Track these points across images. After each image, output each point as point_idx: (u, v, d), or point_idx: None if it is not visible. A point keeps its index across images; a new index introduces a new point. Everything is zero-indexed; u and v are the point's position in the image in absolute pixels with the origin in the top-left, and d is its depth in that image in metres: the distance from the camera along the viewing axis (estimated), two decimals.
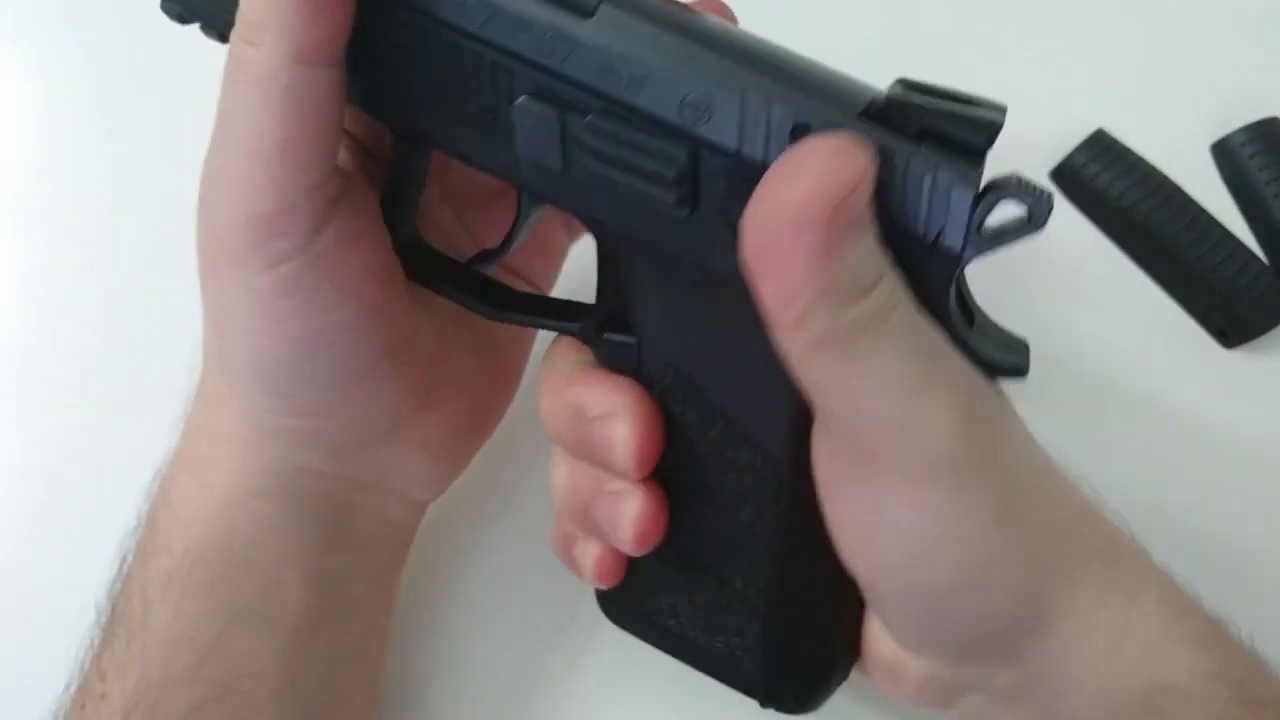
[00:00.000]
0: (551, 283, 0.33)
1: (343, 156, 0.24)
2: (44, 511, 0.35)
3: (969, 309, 0.22)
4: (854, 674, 0.28)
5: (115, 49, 0.40)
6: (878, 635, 0.26)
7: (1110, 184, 0.39)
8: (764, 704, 0.28)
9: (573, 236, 0.33)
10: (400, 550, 0.31)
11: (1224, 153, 0.40)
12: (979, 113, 0.19)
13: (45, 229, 0.38)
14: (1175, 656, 0.23)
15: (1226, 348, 0.38)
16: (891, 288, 0.19)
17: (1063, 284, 0.39)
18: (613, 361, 0.25)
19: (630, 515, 0.24)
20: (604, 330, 0.25)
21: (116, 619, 0.26)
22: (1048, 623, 0.22)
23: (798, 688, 0.28)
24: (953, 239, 0.20)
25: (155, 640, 0.25)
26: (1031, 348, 0.39)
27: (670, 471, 0.25)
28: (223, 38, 0.23)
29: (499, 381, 0.31)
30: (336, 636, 0.28)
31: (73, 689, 0.26)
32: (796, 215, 0.18)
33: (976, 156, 0.19)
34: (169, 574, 0.26)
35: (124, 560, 0.27)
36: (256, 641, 0.26)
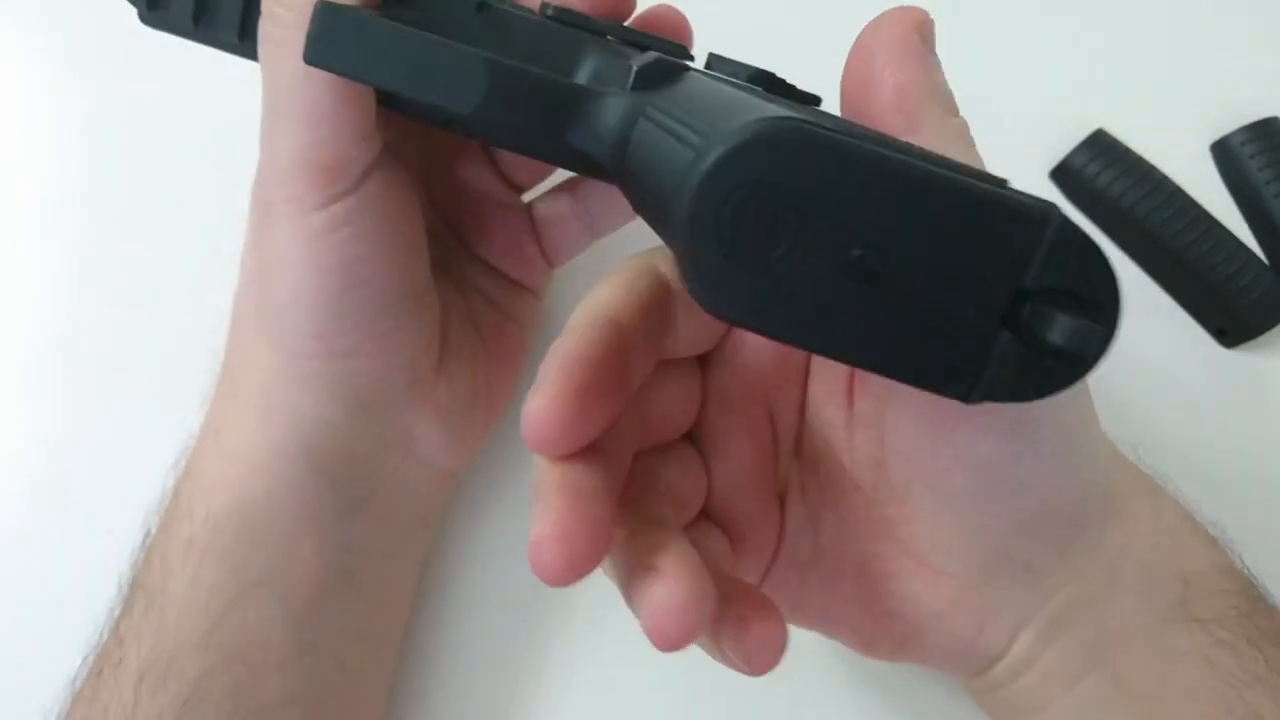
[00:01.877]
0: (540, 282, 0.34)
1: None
2: (68, 496, 0.35)
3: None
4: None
5: (121, 42, 0.40)
6: (918, 593, 0.24)
7: (1110, 184, 0.39)
8: None
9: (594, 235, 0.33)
10: (419, 529, 0.31)
11: (1224, 153, 0.40)
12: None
13: (61, 223, 0.38)
14: (1193, 550, 0.25)
15: (1226, 348, 0.38)
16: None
17: None
18: None
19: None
20: None
21: (136, 586, 0.27)
22: (1113, 515, 0.24)
23: None
24: None
25: (171, 606, 0.26)
26: None
27: None
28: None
29: (505, 354, 0.32)
30: (347, 611, 0.28)
31: (90, 658, 0.27)
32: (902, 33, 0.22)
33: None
34: (188, 541, 0.26)
35: (147, 531, 0.28)
36: (268, 611, 0.26)
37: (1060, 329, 0.16)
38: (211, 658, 0.25)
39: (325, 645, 0.27)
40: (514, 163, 0.32)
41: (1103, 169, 0.39)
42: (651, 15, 0.28)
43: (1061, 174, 0.40)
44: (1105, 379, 0.37)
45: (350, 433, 0.27)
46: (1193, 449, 0.36)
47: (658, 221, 0.19)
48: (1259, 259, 0.38)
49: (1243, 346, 0.38)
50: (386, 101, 0.25)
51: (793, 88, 0.25)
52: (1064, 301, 0.16)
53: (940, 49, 0.46)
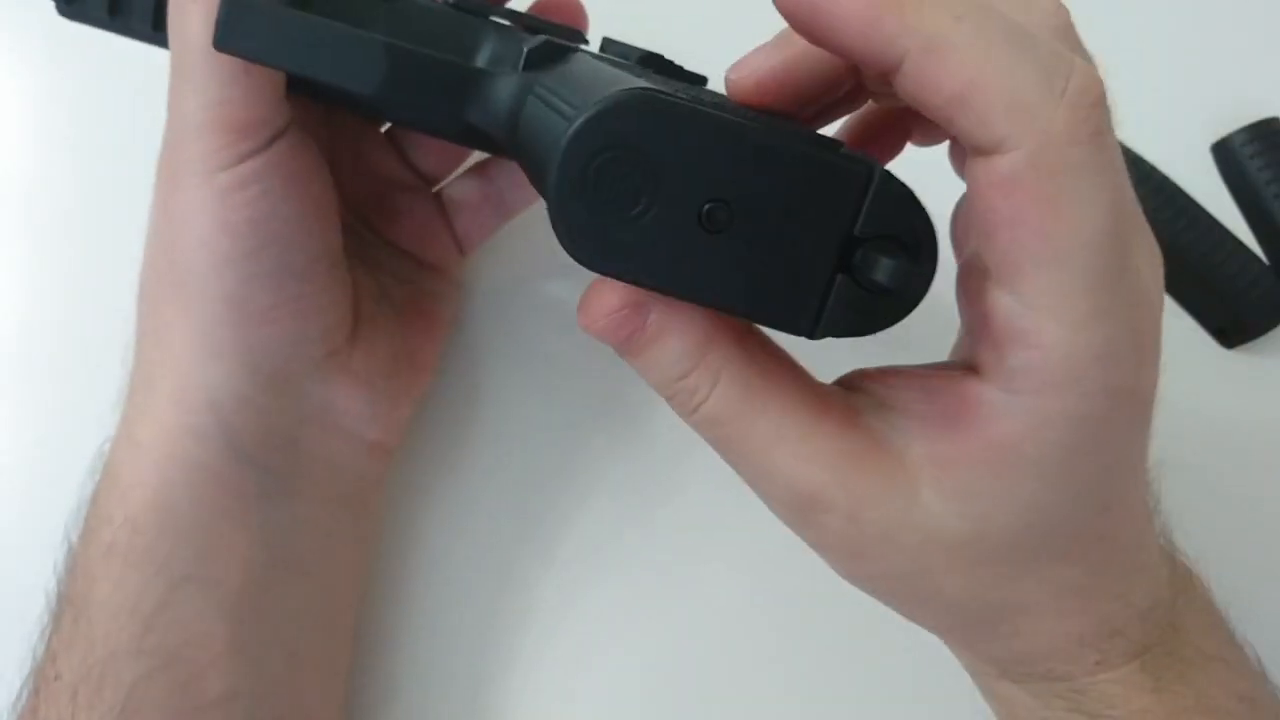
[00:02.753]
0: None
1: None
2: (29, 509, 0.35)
3: None
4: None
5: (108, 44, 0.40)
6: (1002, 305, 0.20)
7: None
8: None
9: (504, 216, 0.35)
10: (358, 506, 0.31)
11: (1224, 153, 0.40)
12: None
13: (49, 227, 0.38)
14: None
15: (1226, 348, 0.38)
16: None
17: None
18: None
19: None
20: None
21: (63, 599, 0.26)
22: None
23: None
24: None
25: (99, 615, 0.25)
26: None
27: None
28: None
29: (423, 325, 0.32)
30: (287, 597, 0.28)
31: (29, 677, 0.26)
32: None
33: None
34: (109, 546, 0.26)
35: (69, 542, 0.27)
36: (201, 605, 0.26)
37: (884, 269, 0.18)
38: (147, 662, 0.25)
39: (267, 635, 0.27)
40: (421, 152, 0.33)
41: None
42: (549, 1, 0.30)
43: None
44: None
45: (265, 408, 0.27)
46: (1193, 449, 0.36)
47: (541, 186, 0.21)
48: (1259, 259, 0.38)
49: (1243, 346, 0.38)
50: (296, 87, 0.26)
51: (679, 68, 0.27)
52: (889, 247, 0.18)
53: None
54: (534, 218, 0.35)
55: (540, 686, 0.33)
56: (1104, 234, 0.18)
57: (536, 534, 0.34)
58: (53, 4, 0.27)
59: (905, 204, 0.18)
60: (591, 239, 0.18)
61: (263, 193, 0.25)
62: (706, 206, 0.18)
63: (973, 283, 0.20)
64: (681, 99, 0.18)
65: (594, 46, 0.29)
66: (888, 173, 0.18)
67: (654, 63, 0.27)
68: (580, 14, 0.31)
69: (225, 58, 0.23)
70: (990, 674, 0.24)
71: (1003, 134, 0.17)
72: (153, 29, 0.27)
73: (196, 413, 0.26)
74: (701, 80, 0.28)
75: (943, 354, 0.24)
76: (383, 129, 0.34)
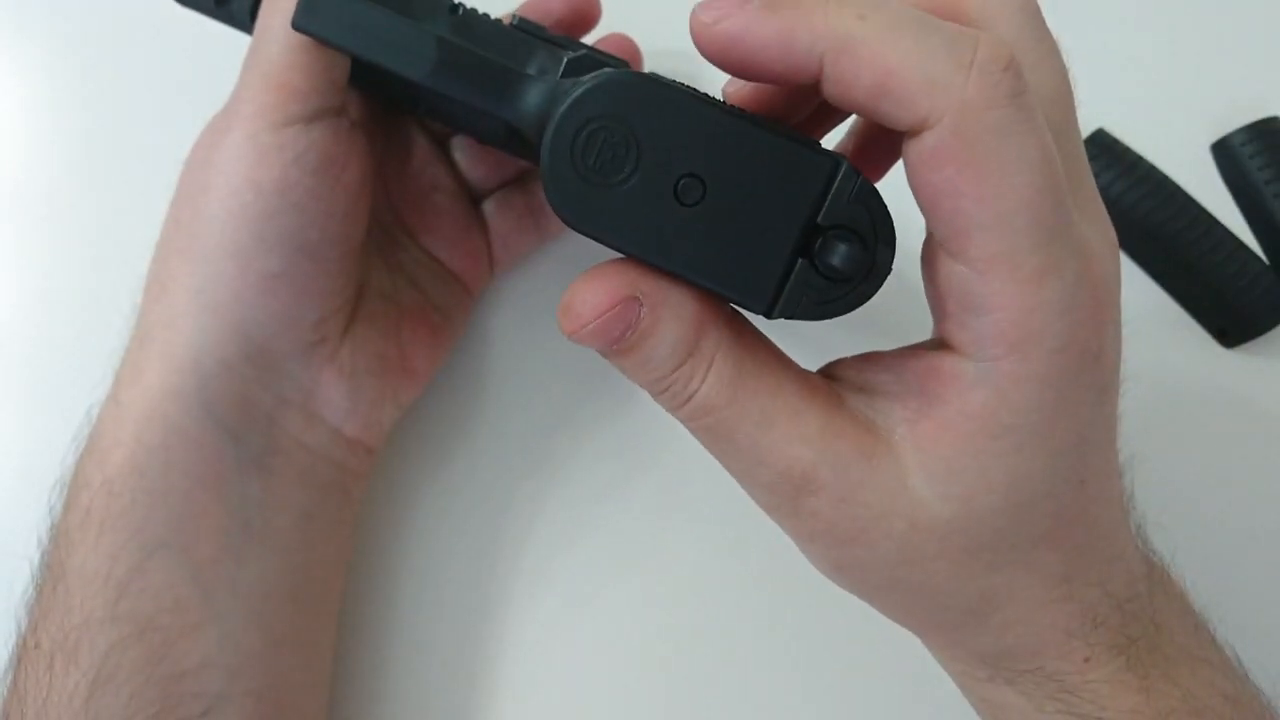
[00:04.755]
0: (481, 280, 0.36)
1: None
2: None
3: None
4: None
5: (109, 42, 0.40)
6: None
7: (1110, 184, 0.39)
8: None
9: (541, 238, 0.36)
10: (338, 495, 0.31)
11: (1224, 152, 0.40)
12: None
13: (45, 225, 0.38)
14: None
15: (1226, 348, 0.38)
16: None
17: None
18: None
19: None
20: None
21: (44, 566, 0.27)
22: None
23: None
24: None
25: (75, 582, 0.25)
26: None
27: None
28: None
29: (423, 335, 0.33)
30: (263, 573, 0.28)
31: (13, 647, 0.27)
32: None
33: None
34: (87, 511, 0.26)
35: (51, 509, 0.27)
36: (175, 573, 0.26)
37: (840, 255, 0.20)
38: (121, 629, 0.25)
39: (241, 605, 0.27)
40: (471, 162, 0.34)
41: (1103, 169, 0.39)
42: (607, 40, 0.33)
43: None
44: None
45: (245, 379, 0.27)
46: (1193, 449, 0.36)
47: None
48: (1259, 259, 0.38)
49: (1243, 346, 0.38)
50: (360, 81, 0.29)
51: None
52: (848, 237, 0.20)
53: None
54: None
55: (533, 678, 0.33)
56: (1037, 190, 0.19)
57: (534, 529, 0.35)
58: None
59: (867, 198, 0.20)
60: (576, 200, 0.20)
61: (296, 160, 0.26)
62: (681, 180, 0.20)
63: (930, 262, 0.21)
64: (674, 84, 0.20)
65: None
66: (853, 168, 0.20)
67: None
68: (636, 56, 0.33)
69: (297, 36, 0.26)
70: (980, 677, 0.24)
71: (924, 111, 0.18)
72: (249, 19, 0.29)
73: (180, 372, 0.27)
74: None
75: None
76: (435, 135, 0.34)
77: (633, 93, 0.20)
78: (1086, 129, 0.40)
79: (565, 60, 0.26)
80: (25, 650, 0.26)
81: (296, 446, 0.29)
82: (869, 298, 0.20)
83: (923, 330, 0.23)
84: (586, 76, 0.20)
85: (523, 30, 0.28)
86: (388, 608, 0.33)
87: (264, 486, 0.28)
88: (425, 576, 0.34)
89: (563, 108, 0.20)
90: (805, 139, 0.20)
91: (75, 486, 0.27)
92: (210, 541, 0.26)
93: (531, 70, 0.27)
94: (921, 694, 0.33)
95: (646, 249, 0.20)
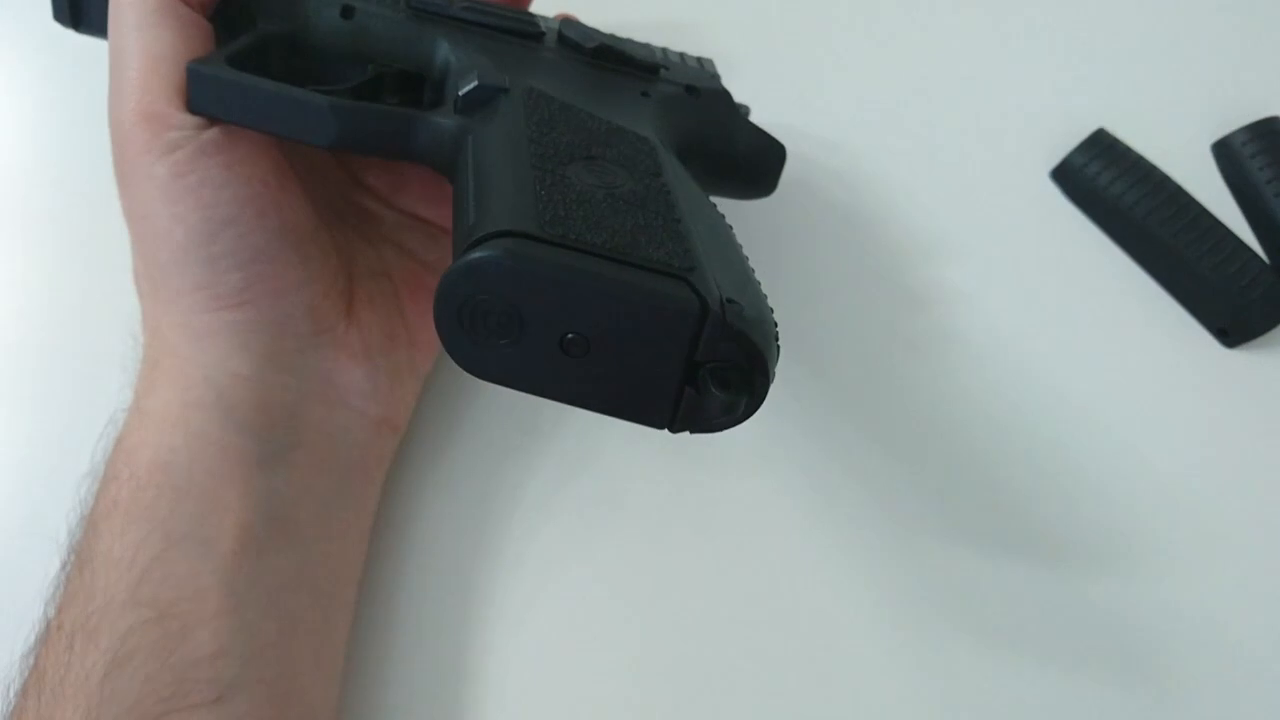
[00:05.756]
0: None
1: None
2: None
3: None
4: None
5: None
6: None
7: (1110, 184, 0.39)
8: None
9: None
10: (358, 478, 0.31)
11: (1224, 152, 0.40)
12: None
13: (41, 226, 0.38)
14: None
15: (1226, 348, 0.38)
16: None
17: (1063, 283, 0.39)
18: None
19: None
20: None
21: (72, 553, 0.27)
22: None
23: None
24: None
25: (100, 566, 0.26)
26: (1031, 349, 0.39)
27: None
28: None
29: (425, 302, 0.33)
30: (283, 564, 0.28)
31: (38, 628, 0.27)
32: None
33: None
34: (114, 501, 0.27)
35: (83, 500, 0.28)
36: (196, 564, 0.26)
37: (717, 393, 0.21)
38: (141, 613, 0.25)
39: (260, 598, 0.27)
40: None
41: (1103, 169, 0.39)
42: None
43: (1061, 174, 0.40)
44: (1106, 378, 0.37)
45: (261, 382, 0.28)
46: (1193, 449, 0.36)
47: None
48: (1260, 259, 0.38)
49: (1243, 346, 0.38)
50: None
51: (631, 58, 0.31)
52: (722, 374, 0.21)
53: (941, 49, 0.46)
54: None
55: (539, 669, 0.33)
56: None
57: (541, 520, 0.34)
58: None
59: (736, 335, 0.21)
60: (473, 361, 0.22)
61: (203, 180, 0.26)
62: (570, 335, 0.21)
63: None
64: (547, 241, 0.21)
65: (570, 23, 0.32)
66: (729, 308, 0.21)
67: (606, 55, 0.31)
68: None
69: (151, 64, 0.26)
70: None
71: None
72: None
73: (195, 388, 0.27)
74: (654, 70, 0.32)
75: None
76: None
77: (501, 271, 0.20)
78: (1086, 129, 0.40)
79: (459, 96, 0.27)
80: (49, 631, 0.26)
81: (320, 437, 0.29)
82: (755, 410, 0.22)
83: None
84: (460, 252, 0.21)
85: (421, 10, 0.30)
86: (392, 598, 0.33)
87: (288, 480, 0.28)
88: (430, 566, 0.34)
89: (439, 291, 0.21)
90: (680, 272, 0.21)
91: (105, 479, 0.27)
92: (233, 535, 0.27)
93: (442, 70, 0.29)
94: (917, 693, 0.33)
95: (549, 393, 0.22)
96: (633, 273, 0.21)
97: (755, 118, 0.34)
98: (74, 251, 0.37)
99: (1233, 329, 0.38)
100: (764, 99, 0.36)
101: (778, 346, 0.22)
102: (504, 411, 0.36)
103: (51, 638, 0.26)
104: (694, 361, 0.21)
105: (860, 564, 0.34)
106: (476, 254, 0.20)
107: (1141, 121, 0.41)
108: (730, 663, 0.33)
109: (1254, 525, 0.35)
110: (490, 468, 0.35)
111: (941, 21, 0.43)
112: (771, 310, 0.23)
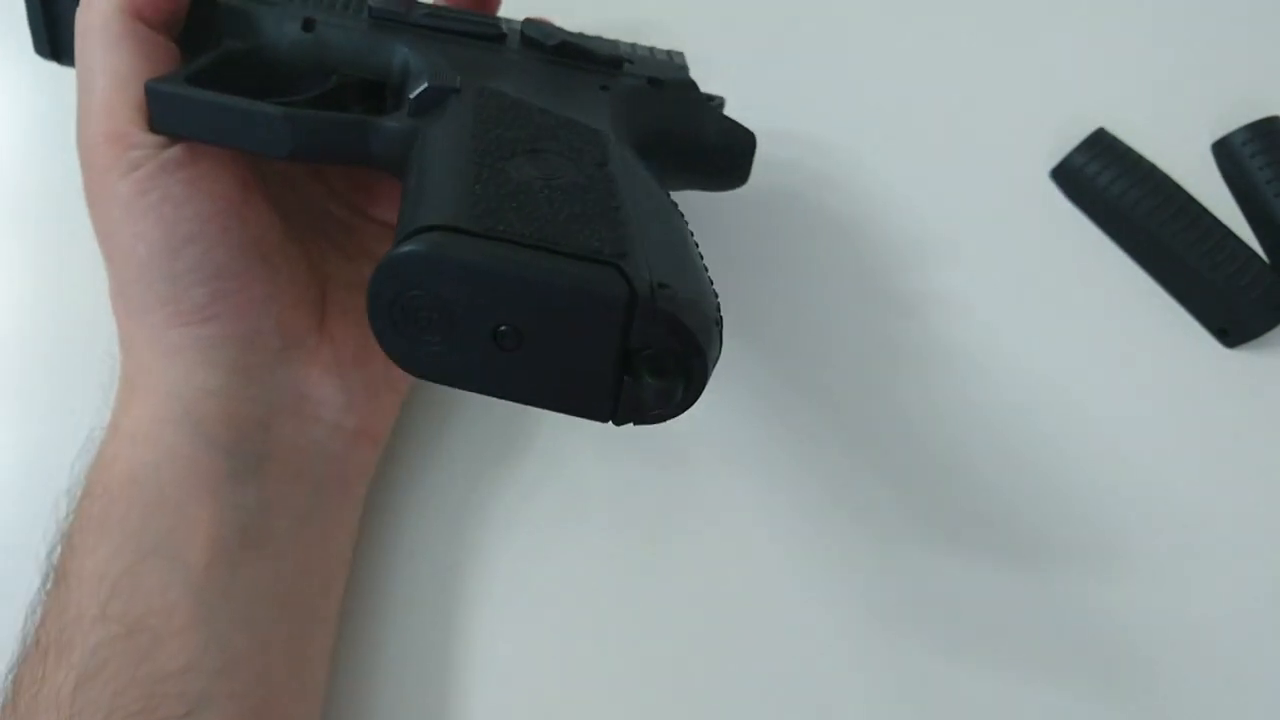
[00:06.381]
0: None
1: None
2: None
3: None
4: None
5: None
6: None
7: (1110, 184, 0.39)
8: None
9: None
10: (337, 491, 0.31)
11: (1224, 152, 0.40)
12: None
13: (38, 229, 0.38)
14: None
15: (1227, 347, 0.38)
16: None
17: (1062, 284, 0.39)
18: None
19: None
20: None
21: (51, 569, 0.27)
22: None
23: None
24: None
25: (74, 581, 0.26)
26: (1031, 347, 0.39)
27: None
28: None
29: None
30: (257, 578, 0.28)
31: (20, 644, 0.27)
32: None
33: None
34: (89, 516, 0.27)
35: (62, 519, 0.28)
36: (165, 577, 0.26)
37: (648, 391, 0.21)
38: (110, 628, 0.26)
39: (231, 609, 0.27)
40: None
41: (1103, 169, 0.39)
42: None
43: (1061, 174, 0.40)
44: (1107, 378, 0.37)
45: (229, 396, 0.28)
46: (1193, 449, 0.36)
47: None
48: (1260, 259, 0.38)
49: (1244, 346, 0.38)
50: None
51: (593, 53, 0.31)
52: (655, 360, 0.21)
53: (942, 49, 0.46)
54: None
55: (524, 682, 0.33)
56: None
57: (520, 531, 0.34)
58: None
59: (671, 323, 0.20)
60: (409, 359, 0.21)
61: (164, 198, 0.27)
62: (499, 329, 0.21)
63: None
64: (467, 234, 0.20)
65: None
66: (660, 293, 0.20)
67: (567, 51, 0.31)
68: (492, 2, 0.34)
69: (116, 86, 0.27)
70: None
71: None
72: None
73: (165, 404, 0.28)
74: (617, 64, 0.32)
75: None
76: None
77: (429, 266, 0.20)
78: (1086, 129, 0.40)
79: (411, 99, 0.27)
80: (29, 646, 0.27)
81: (293, 450, 0.29)
82: (695, 398, 0.21)
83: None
84: (393, 246, 0.21)
85: (381, 18, 0.30)
86: (376, 612, 0.33)
87: (260, 493, 0.28)
88: (413, 580, 0.34)
89: (370, 287, 0.21)
90: (610, 259, 0.21)
91: (82, 496, 0.28)
92: (204, 549, 0.27)
93: (400, 73, 0.29)
94: (911, 694, 0.33)
95: (485, 389, 0.22)
96: (559, 260, 0.20)
97: (755, 120, 0.34)
98: (53, 270, 0.38)
99: (1233, 329, 0.38)
100: (761, 100, 0.36)
101: (719, 331, 0.22)
102: (486, 414, 0.36)
103: (30, 653, 0.26)
104: (630, 350, 0.21)
105: (846, 570, 0.34)
106: (401, 249, 0.20)
107: (1141, 121, 0.41)
108: (714, 669, 0.33)
109: (1254, 526, 0.35)
110: (472, 474, 0.35)
111: (941, 21, 0.43)
112: (716, 295, 0.22)
